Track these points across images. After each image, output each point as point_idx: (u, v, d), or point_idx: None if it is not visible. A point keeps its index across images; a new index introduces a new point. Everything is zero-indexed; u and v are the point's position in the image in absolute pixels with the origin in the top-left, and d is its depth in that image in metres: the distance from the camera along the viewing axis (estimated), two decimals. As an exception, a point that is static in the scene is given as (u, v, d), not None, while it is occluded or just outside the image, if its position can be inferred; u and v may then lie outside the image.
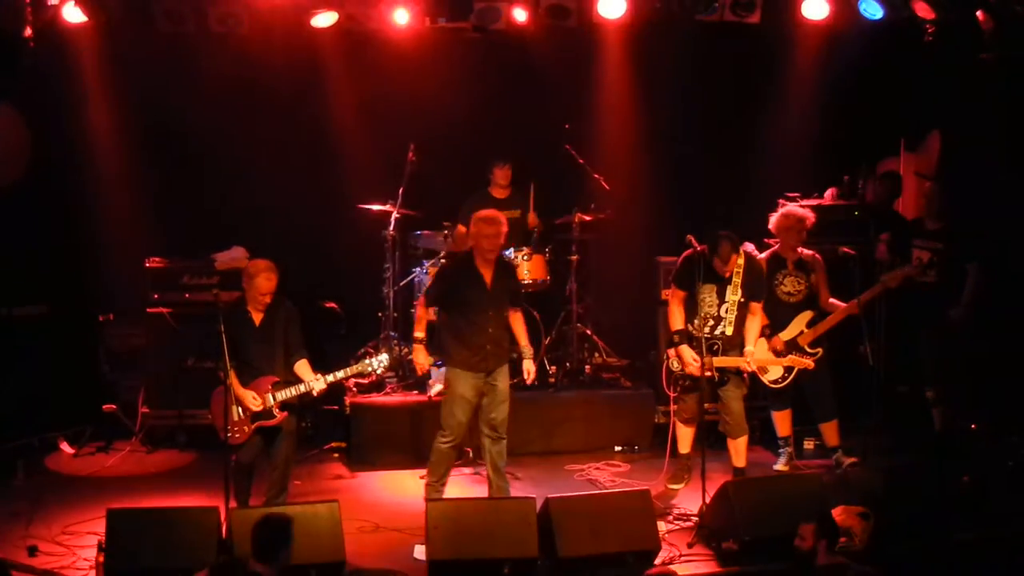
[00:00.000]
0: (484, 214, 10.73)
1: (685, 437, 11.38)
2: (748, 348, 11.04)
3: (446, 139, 13.61)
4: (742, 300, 10.97)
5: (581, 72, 13.94)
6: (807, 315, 11.52)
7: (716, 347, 10.93)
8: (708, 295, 10.96)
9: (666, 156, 13.97)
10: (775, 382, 11.56)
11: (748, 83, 13.86)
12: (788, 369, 11.47)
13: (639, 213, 13.56)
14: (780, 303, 11.58)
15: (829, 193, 13.25)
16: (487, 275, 10.61)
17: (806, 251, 11.64)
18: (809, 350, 11.47)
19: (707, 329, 10.94)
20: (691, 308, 11.01)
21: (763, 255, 11.66)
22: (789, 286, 11.59)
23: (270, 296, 10.27)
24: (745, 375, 11.10)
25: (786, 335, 11.50)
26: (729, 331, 10.97)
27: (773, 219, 11.72)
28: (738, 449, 11.14)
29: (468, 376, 10.55)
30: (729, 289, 10.95)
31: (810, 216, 11.61)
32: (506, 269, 10.94)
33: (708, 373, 10.72)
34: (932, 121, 14.00)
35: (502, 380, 10.71)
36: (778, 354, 11.44)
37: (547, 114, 13.89)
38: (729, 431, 11.10)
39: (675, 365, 11.10)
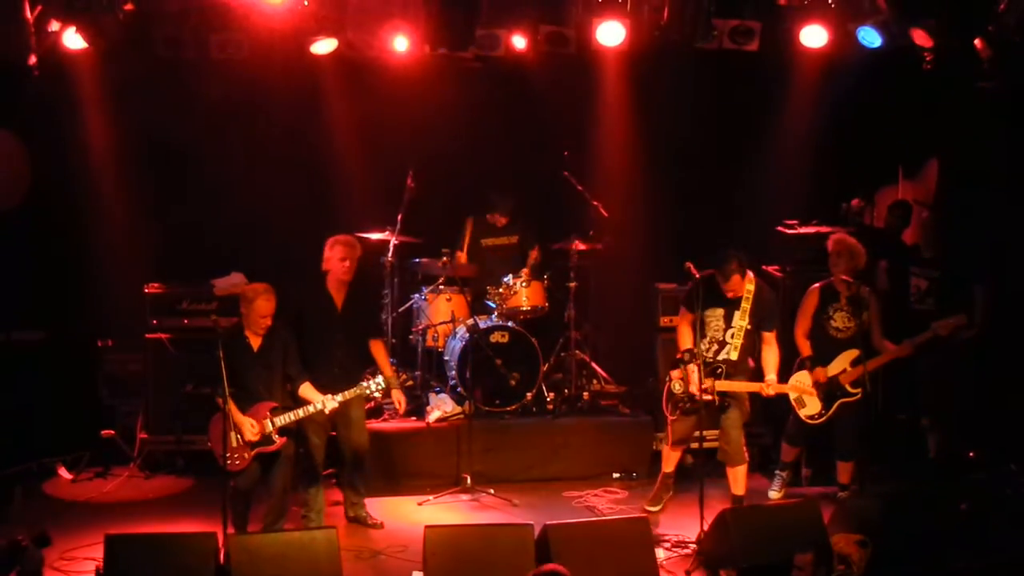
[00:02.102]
0: (341, 238, 10.86)
1: (670, 458, 11.41)
2: (769, 376, 11.03)
3: (445, 165, 13.63)
4: (749, 327, 10.95)
5: (580, 99, 13.98)
6: (852, 353, 11.38)
7: (720, 371, 10.92)
8: (715, 320, 10.98)
9: (665, 183, 14.00)
10: (812, 418, 11.52)
11: (747, 110, 13.89)
12: (826, 406, 11.44)
13: (637, 240, 13.58)
14: (827, 338, 11.53)
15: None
16: (338, 299, 10.78)
17: (864, 287, 11.52)
18: (851, 389, 11.41)
19: (711, 353, 10.96)
20: (694, 335, 11.04)
21: (817, 284, 11.65)
22: (839, 321, 11.51)
23: (270, 319, 10.31)
24: (745, 395, 11.12)
25: (829, 371, 11.47)
26: (734, 356, 10.96)
27: (829, 243, 11.68)
28: (737, 477, 11.14)
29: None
30: (737, 314, 10.95)
31: (863, 250, 11.55)
32: (358, 297, 11.01)
33: (708, 397, 10.74)
34: (930, 149, 14.02)
35: (355, 408, 10.84)
36: (816, 386, 11.43)
37: (546, 141, 13.93)
38: (728, 459, 11.09)
39: (677, 387, 11.05)
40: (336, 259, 10.71)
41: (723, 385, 10.85)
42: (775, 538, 9.40)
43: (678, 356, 11.08)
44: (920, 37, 12.29)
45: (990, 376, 12.50)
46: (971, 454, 12.43)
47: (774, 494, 11.84)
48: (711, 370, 10.86)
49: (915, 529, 9.80)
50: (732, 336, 10.98)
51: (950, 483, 11.66)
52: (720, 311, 10.97)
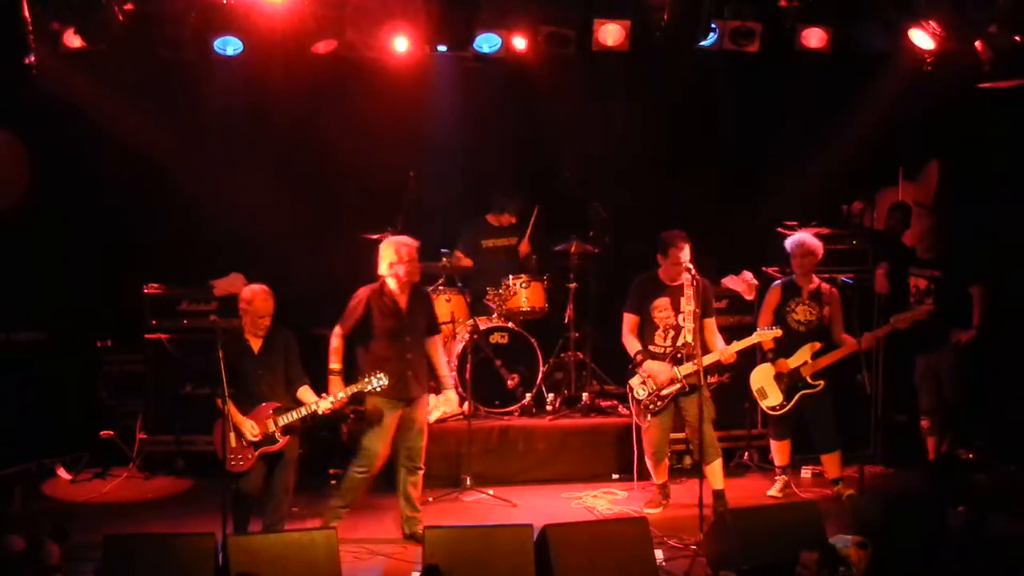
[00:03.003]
0: (402, 240, 10.77)
1: (659, 470, 11.53)
2: (720, 347, 11.12)
3: (445, 166, 13.66)
4: (697, 311, 10.99)
5: (580, 100, 13.97)
6: (814, 346, 11.53)
7: (680, 356, 10.98)
8: (662, 309, 11.08)
9: (664, 183, 14.00)
10: (774, 408, 11.60)
11: (747, 111, 13.88)
12: (788, 397, 11.50)
13: (637, 240, 13.54)
14: (790, 331, 11.59)
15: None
16: (402, 301, 10.64)
17: (824, 284, 11.67)
18: (811, 381, 11.49)
19: (668, 340, 11.01)
20: (646, 332, 11.24)
21: (778, 282, 11.72)
22: (801, 315, 11.61)
23: (269, 319, 10.29)
24: (712, 382, 11.19)
25: (791, 363, 11.51)
26: (691, 339, 11.00)
27: (790, 244, 11.76)
28: (714, 472, 11.18)
29: (389, 404, 10.53)
30: (683, 299, 11.03)
31: (818, 246, 11.65)
32: (420, 296, 10.89)
33: (677, 385, 10.92)
34: (931, 151, 14.01)
35: (421, 410, 10.76)
36: (778, 381, 11.48)
37: (546, 141, 13.92)
38: (703, 456, 11.06)
39: (640, 393, 11.16)
40: (404, 261, 10.58)
41: (687, 368, 10.89)
42: (775, 538, 9.38)
43: (632, 365, 11.24)
44: (920, 38, 12.28)
45: (989, 377, 12.49)
46: (970, 455, 12.44)
47: (774, 494, 11.84)
48: (671, 357, 10.95)
49: (914, 531, 9.80)
50: (683, 320, 11.04)
51: (949, 484, 11.67)
52: (666, 299, 11.12)
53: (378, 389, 10.45)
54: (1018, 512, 10.84)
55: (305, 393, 10.40)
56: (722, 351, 11.07)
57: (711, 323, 11.26)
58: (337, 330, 10.70)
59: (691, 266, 10.92)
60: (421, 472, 10.82)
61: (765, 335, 11.33)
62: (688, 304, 11.02)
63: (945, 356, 12.20)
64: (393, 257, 10.61)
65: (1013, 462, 11.95)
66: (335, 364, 10.61)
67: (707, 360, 10.99)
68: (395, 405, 10.58)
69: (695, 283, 10.96)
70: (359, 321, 10.63)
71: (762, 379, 11.67)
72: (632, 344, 11.26)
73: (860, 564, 9.37)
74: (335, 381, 10.54)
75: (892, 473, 12.44)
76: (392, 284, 10.64)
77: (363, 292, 10.76)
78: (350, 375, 10.61)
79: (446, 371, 11.01)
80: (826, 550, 8.66)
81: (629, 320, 11.29)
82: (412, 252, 10.64)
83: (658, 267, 11.22)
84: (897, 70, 12.93)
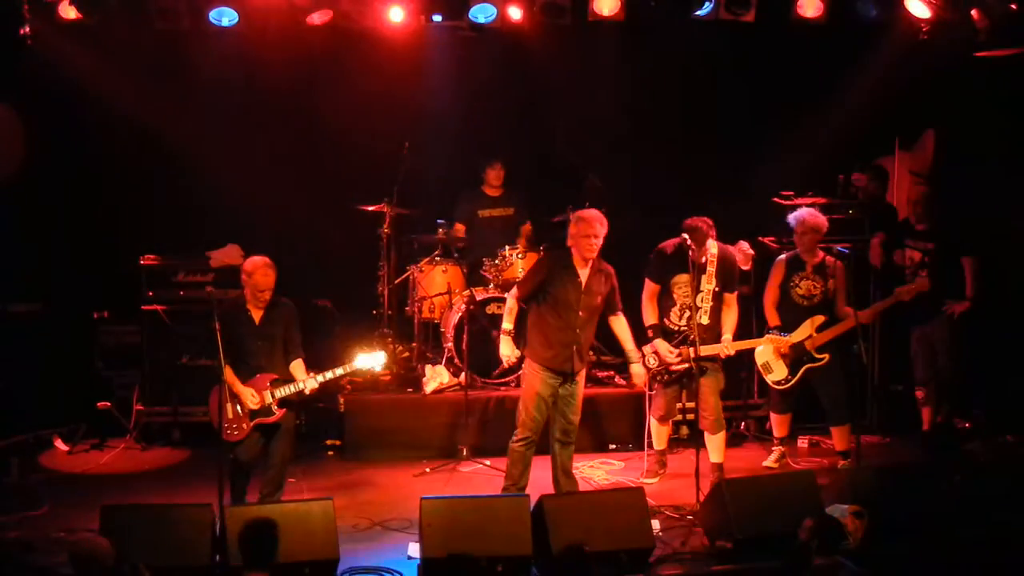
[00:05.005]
0: (582, 214, 10.62)
1: (661, 434, 11.51)
2: (725, 336, 11.11)
3: (441, 137, 13.63)
4: (717, 289, 11.00)
5: (576, 70, 13.93)
6: (818, 319, 11.46)
7: (691, 338, 10.94)
8: (682, 286, 11.00)
9: (660, 153, 13.96)
10: (779, 383, 11.57)
11: (742, 81, 13.85)
12: (792, 371, 11.49)
13: (634, 211, 13.54)
14: (794, 305, 11.57)
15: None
16: (583, 275, 10.48)
17: (829, 256, 11.61)
18: (816, 355, 11.45)
19: (684, 320, 10.98)
20: (663, 304, 11.16)
21: (783, 256, 11.68)
22: (804, 289, 11.56)
23: (269, 292, 10.27)
24: (720, 361, 11.14)
25: (794, 338, 11.49)
26: (705, 320, 10.99)
27: (792, 220, 11.72)
28: (716, 444, 11.16)
29: (547, 375, 10.46)
30: (704, 278, 10.99)
31: (823, 221, 11.59)
32: (603, 273, 10.66)
33: (686, 364, 10.88)
34: (926, 120, 13.99)
35: (581, 385, 10.66)
36: (783, 355, 11.47)
37: (542, 112, 13.90)
38: (707, 426, 11.08)
39: (652, 361, 11.13)
40: (580, 235, 10.43)
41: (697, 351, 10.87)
42: (771, 508, 9.43)
43: (647, 332, 11.20)
44: (916, 7, 12.25)
45: (984, 348, 12.51)
46: (966, 425, 12.48)
47: (770, 464, 11.86)
48: (683, 338, 10.92)
49: (910, 500, 9.82)
50: (702, 300, 11.01)
51: (945, 454, 11.70)
52: (686, 276, 10.96)
53: (377, 369, 10.45)
54: (1014, 482, 10.87)
55: (297, 369, 10.37)
56: (724, 346, 11.06)
57: (731, 299, 11.20)
58: (515, 291, 10.70)
59: (712, 259, 10.96)
60: (572, 446, 10.80)
61: (774, 340, 11.42)
62: (709, 283, 10.99)
63: (939, 327, 12.20)
64: (574, 231, 10.49)
65: (1008, 432, 11.96)
66: (508, 324, 10.68)
67: (709, 351, 10.96)
68: (553, 377, 10.49)
69: (717, 263, 11.00)
70: (538, 286, 10.51)
71: (766, 354, 11.62)
72: (649, 313, 11.20)
73: (856, 533, 9.41)
74: (506, 341, 10.65)
75: (888, 443, 12.46)
76: (575, 257, 10.50)
77: (546, 258, 10.82)
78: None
79: (632, 345, 10.89)
80: (821, 521, 8.67)
81: (649, 287, 11.23)
82: (593, 228, 10.43)
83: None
84: (893, 39, 12.92)
